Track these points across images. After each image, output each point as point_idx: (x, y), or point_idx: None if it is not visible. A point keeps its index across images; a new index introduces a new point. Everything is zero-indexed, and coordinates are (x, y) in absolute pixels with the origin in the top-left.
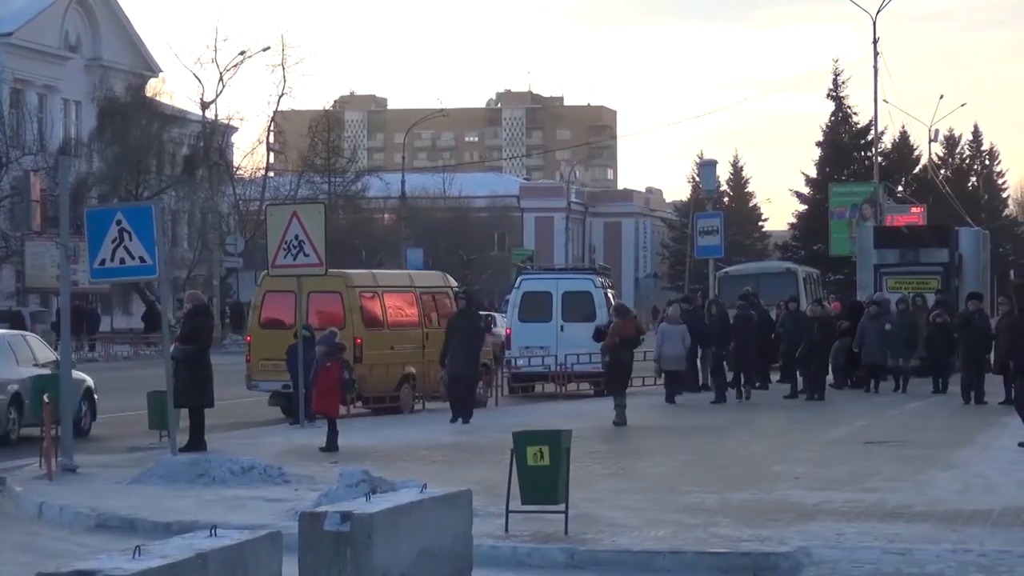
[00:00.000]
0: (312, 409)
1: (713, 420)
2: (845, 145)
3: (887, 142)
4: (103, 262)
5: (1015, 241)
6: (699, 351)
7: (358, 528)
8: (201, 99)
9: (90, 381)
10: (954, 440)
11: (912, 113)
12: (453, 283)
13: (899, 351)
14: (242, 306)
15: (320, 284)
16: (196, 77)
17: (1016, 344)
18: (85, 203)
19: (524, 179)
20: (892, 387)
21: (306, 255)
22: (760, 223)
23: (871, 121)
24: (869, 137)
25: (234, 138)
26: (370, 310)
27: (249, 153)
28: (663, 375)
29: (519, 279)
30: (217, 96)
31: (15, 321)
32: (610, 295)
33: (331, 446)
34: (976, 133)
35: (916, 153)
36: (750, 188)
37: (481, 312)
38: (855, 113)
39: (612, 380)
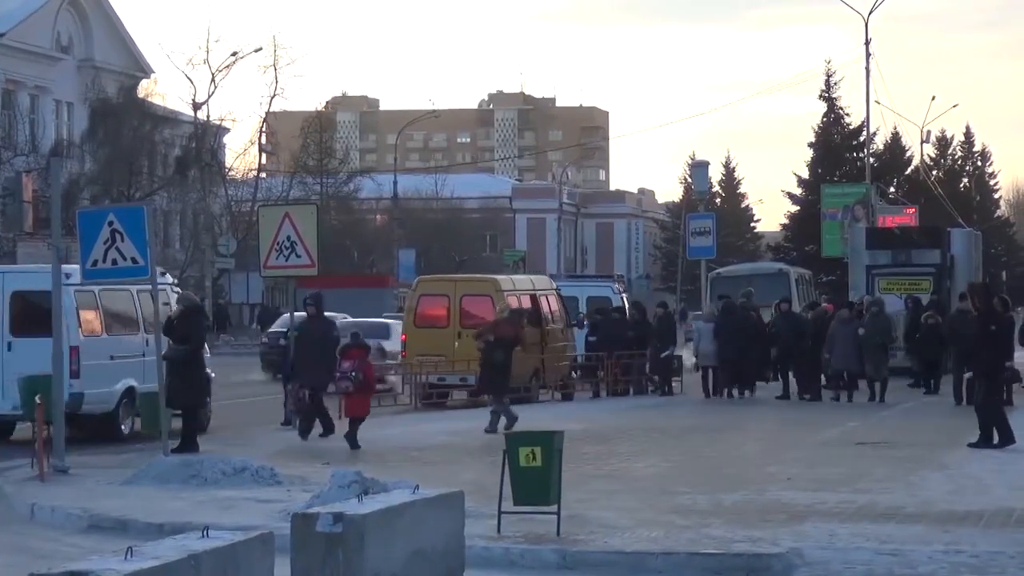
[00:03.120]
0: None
1: (705, 421)
2: (837, 146)
3: (879, 143)
4: (95, 263)
5: (1007, 242)
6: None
7: (350, 529)
8: (193, 100)
9: None
10: (946, 441)
11: (904, 114)
12: (554, 285)
13: (872, 357)
14: (228, 308)
15: (472, 288)
16: (188, 78)
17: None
18: (77, 204)
19: (516, 180)
20: (867, 396)
21: (298, 256)
22: (752, 224)
23: (863, 122)
24: (861, 138)
25: (226, 139)
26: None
27: (241, 154)
28: (699, 371)
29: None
30: (209, 97)
31: None
32: (625, 299)
33: (352, 443)
34: (968, 134)
35: (908, 154)
36: (742, 189)
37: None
38: (847, 114)
39: (487, 382)
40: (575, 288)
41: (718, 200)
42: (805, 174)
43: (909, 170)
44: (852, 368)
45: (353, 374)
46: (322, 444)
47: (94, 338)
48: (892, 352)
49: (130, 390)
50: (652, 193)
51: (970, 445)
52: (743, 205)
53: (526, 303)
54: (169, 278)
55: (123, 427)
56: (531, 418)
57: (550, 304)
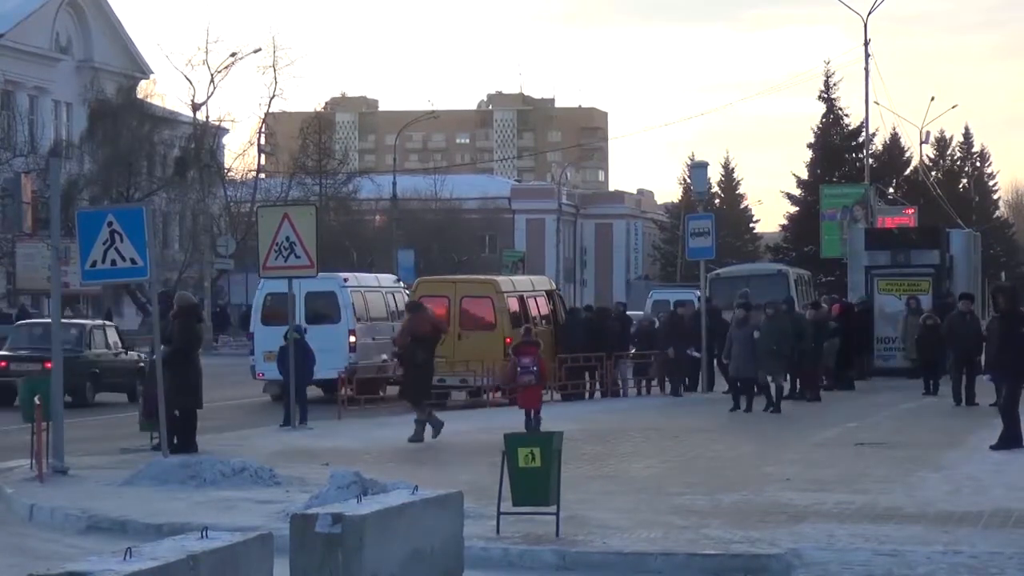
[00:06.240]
0: (519, 406)
1: (704, 421)
2: (836, 147)
3: (878, 144)
4: (94, 264)
5: (1006, 243)
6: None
7: (349, 530)
8: (192, 101)
9: None
10: (945, 442)
11: (903, 115)
12: (552, 285)
13: (765, 363)
14: (230, 309)
15: (472, 289)
16: (187, 79)
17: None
18: (76, 205)
19: (515, 181)
20: (764, 405)
21: (297, 257)
22: (751, 225)
23: (862, 123)
24: (860, 139)
25: (225, 140)
26: (514, 312)
27: (240, 155)
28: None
29: (651, 292)
30: (208, 98)
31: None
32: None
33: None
34: (967, 135)
35: (907, 155)
36: (741, 190)
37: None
38: (846, 115)
39: (408, 387)
40: (668, 293)
41: (717, 201)
42: (804, 175)
43: (908, 171)
44: (747, 374)
45: (534, 368)
46: (322, 444)
47: (362, 325)
48: (891, 352)
49: (384, 363)
50: (651, 194)
51: (992, 447)
52: (742, 206)
53: (525, 305)
54: (401, 284)
55: (380, 391)
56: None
57: (553, 304)
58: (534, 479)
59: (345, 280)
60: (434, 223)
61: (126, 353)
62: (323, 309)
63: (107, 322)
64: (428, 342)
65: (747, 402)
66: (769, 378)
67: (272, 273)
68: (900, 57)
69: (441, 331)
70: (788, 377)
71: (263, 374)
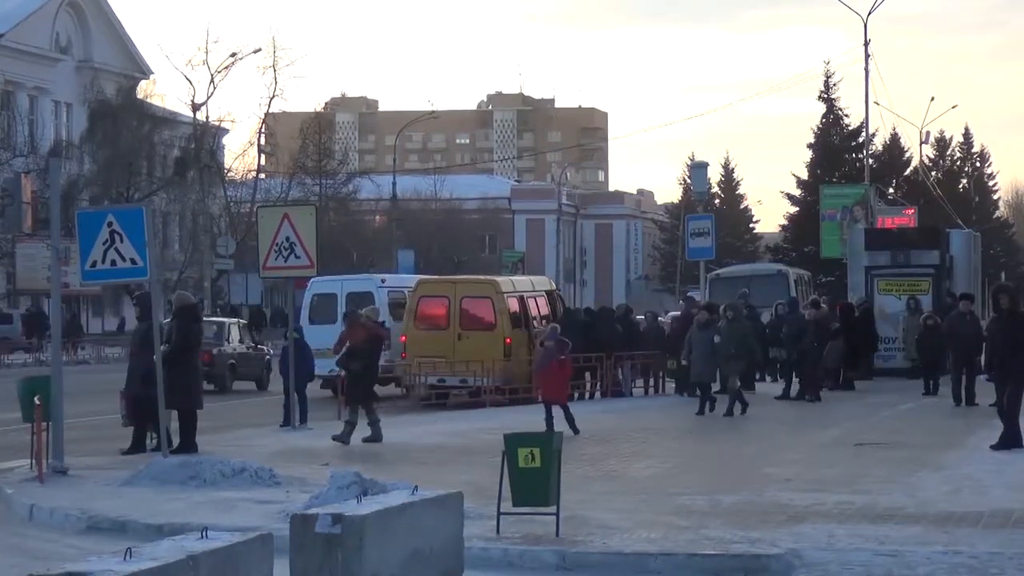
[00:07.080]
0: (541, 398)
1: (704, 422)
2: (836, 147)
3: (878, 144)
4: (94, 264)
5: (1006, 243)
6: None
7: (349, 530)
8: (192, 101)
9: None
10: (945, 442)
11: (903, 115)
12: (552, 286)
13: (725, 366)
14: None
15: (472, 289)
16: (187, 79)
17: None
18: (76, 205)
19: (515, 181)
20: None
21: (297, 257)
22: (751, 225)
23: (862, 123)
24: (860, 139)
25: (225, 140)
26: (514, 313)
27: (240, 155)
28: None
29: (689, 292)
30: (208, 98)
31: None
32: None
33: (573, 428)
34: (967, 135)
35: (907, 155)
36: (741, 190)
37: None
38: (846, 115)
39: (348, 393)
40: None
41: (717, 201)
42: (804, 175)
43: (908, 171)
44: (707, 378)
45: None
46: (322, 444)
47: (397, 323)
48: (891, 352)
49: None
50: (651, 194)
51: (992, 447)
52: (742, 206)
53: (525, 305)
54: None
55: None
56: (530, 419)
57: (552, 305)
58: (534, 479)
59: (383, 281)
60: (434, 223)
61: (256, 347)
62: (361, 307)
63: (240, 320)
64: (363, 352)
65: (709, 405)
66: (720, 380)
67: (272, 273)
68: (900, 57)
69: (380, 338)
70: (785, 377)
71: None
